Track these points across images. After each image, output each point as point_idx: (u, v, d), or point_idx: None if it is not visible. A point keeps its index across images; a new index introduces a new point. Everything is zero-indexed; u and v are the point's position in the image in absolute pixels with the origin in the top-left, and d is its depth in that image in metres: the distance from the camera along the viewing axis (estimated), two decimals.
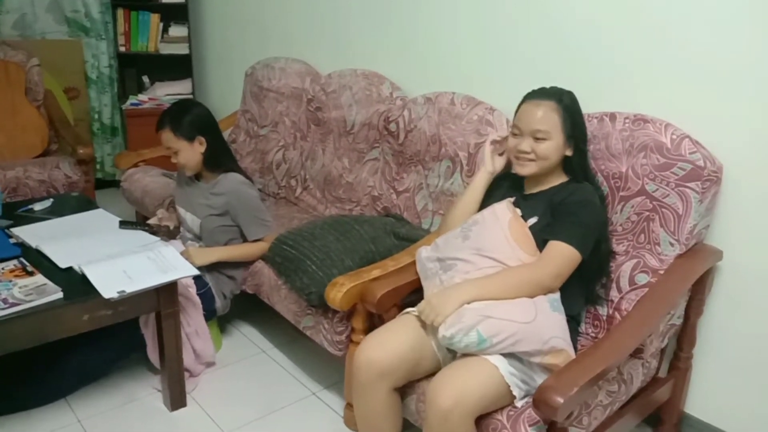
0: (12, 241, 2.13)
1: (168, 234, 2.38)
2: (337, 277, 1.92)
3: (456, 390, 1.44)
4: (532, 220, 1.72)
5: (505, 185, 1.89)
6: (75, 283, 1.87)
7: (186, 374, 2.18)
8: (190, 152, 2.31)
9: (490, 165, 1.90)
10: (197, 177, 2.43)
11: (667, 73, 1.86)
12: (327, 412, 2.15)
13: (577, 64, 2.07)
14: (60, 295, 1.80)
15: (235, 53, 3.80)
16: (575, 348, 1.66)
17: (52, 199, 2.57)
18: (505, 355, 1.52)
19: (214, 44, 4.03)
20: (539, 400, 1.35)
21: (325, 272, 2.04)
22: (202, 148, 2.32)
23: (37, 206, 2.49)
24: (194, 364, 2.25)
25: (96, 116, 4.07)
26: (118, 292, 1.81)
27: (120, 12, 3.82)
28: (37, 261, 1.99)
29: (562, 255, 1.61)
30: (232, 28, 3.80)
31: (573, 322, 1.70)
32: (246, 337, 2.59)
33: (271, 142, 3.12)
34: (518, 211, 1.75)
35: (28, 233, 2.19)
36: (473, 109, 2.28)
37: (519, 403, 1.52)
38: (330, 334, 2.05)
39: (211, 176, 2.39)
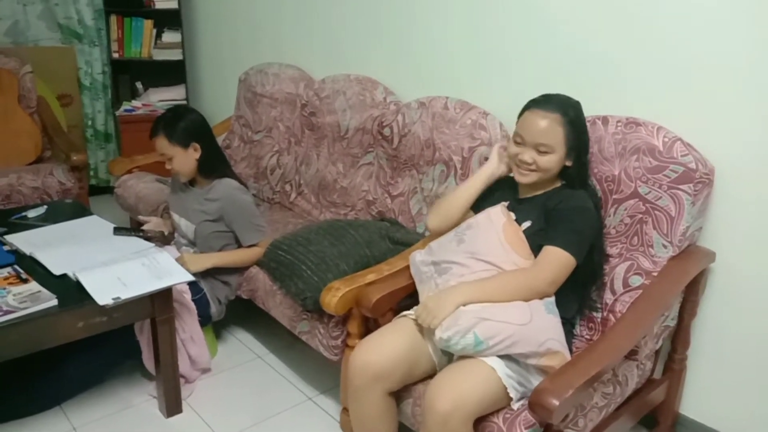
0: (6, 248, 2.12)
1: (162, 240, 2.38)
2: (333, 282, 1.92)
3: (455, 394, 1.45)
4: (526, 224, 1.73)
5: (499, 189, 1.89)
6: (69, 290, 1.87)
7: (181, 380, 2.17)
8: (185, 158, 2.31)
9: (496, 167, 1.87)
10: (191, 183, 2.43)
11: (658, 76, 1.88)
12: (323, 417, 2.15)
13: (569, 68, 2.09)
14: (54, 302, 1.80)
15: (228, 59, 3.80)
16: (570, 350, 1.66)
17: (45, 206, 2.57)
18: (501, 357, 1.53)
19: (208, 50, 4.03)
20: (535, 402, 1.35)
21: (320, 277, 2.04)
22: (197, 155, 2.32)
23: (31, 213, 2.48)
24: (190, 370, 2.25)
25: (89, 123, 4.06)
26: (112, 299, 1.81)
27: (113, 18, 3.82)
28: (31, 268, 1.99)
29: (559, 261, 1.62)
30: (225, 33, 3.81)
31: (567, 324, 1.71)
32: (241, 342, 2.58)
33: (265, 147, 3.12)
34: (512, 215, 1.75)
35: (21, 240, 2.18)
36: (467, 113, 2.29)
37: (515, 405, 1.52)
38: (326, 338, 2.05)
39: (205, 182, 2.39)
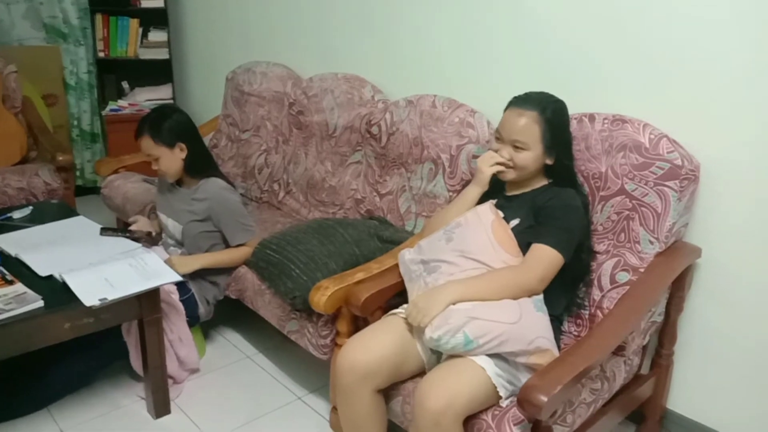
0: None
1: (149, 240, 2.37)
2: (321, 281, 1.92)
3: (446, 393, 1.45)
4: (514, 222, 1.74)
5: (488, 187, 1.90)
6: (56, 292, 1.85)
7: (170, 381, 2.16)
8: (171, 159, 2.29)
9: (486, 185, 1.83)
10: (178, 183, 2.41)
11: (645, 73, 1.89)
12: (313, 417, 2.15)
13: (555, 66, 2.10)
14: (41, 303, 1.78)
15: (215, 57, 3.79)
16: (558, 347, 1.67)
17: (31, 207, 2.54)
18: (490, 355, 1.53)
19: (195, 49, 4.01)
20: (523, 399, 1.36)
21: (309, 276, 2.04)
22: (183, 155, 2.30)
23: (17, 214, 2.46)
24: (178, 371, 2.24)
25: (75, 123, 4.03)
26: (99, 300, 1.80)
27: (98, 17, 3.79)
28: (17, 269, 1.96)
29: (547, 258, 1.63)
30: (212, 32, 3.79)
31: (556, 321, 1.72)
32: (230, 342, 2.57)
33: (253, 146, 3.11)
34: (500, 213, 1.76)
35: (7, 241, 2.16)
36: (454, 111, 2.30)
37: (504, 403, 1.53)
38: (315, 338, 2.05)
39: (192, 182, 2.38)
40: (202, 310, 2.35)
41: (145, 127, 2.28)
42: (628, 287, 1.74)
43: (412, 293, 1.73)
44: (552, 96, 1.77)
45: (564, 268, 1.67)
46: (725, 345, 1.87)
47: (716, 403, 1.93)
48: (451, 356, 1.57)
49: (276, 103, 3.04)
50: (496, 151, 1.77)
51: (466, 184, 1.99)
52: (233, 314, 2.65)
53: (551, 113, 1.72)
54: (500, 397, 1.52)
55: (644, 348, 1.92)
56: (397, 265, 1.88)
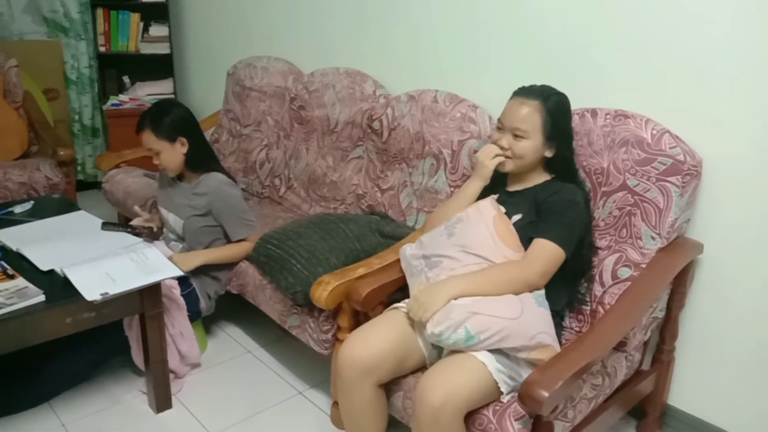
0: None
1: (151, 235, 2.36)
2: (323, 276, 1.92)
3: (446, 388, 1.45)
4: (516, 217, 1.73)
5: (490, 182, 1.89)
6: (57, 286, 1.85)
7: (171, 376, 2.17)
8: (172, 153, 2.29)
9: (488, 179, 1.83)
10: (179, 177, 2.41)
11: (647, 68, 1.88)
12: (314, 412, 2.15)
13: (557, 61, 2.09)
14: (42, 298, 1.78)
15: (216, 52, 3.78)
16: (559, 342, 1.67)
17: (32, 202, 2.54)
18: (491, 351, 1.53)
19: (196, 43, 4.00)
20: (524, 394, 1.36)
21: (310, 271, 2.04)
22: (184, 149, 2.30)
23: (18, 209, 2.46)
24: (179, 366, 2.24)
25: (76, 117, 4.03)
26: (101, 295, 1.80)
27: (99, 12, 3.77)
28: (18, 264, 1.97)
29: (549, 253, 1.63)
30: (213, 27, 3.78)
31: (557, 317, 1.72)
32: (231, 337, 2.58)
33: (254, 141, 3.11)
34: (502, 208, 1.76)
35: (8, 236, 2.16)
36: (456, 106, 2.29)
37: (505, 398, 1.53)
38: (316, 333, 2.05)
39: (193, 176, 2.37)
40: (204, 304, 2.36)
41: (146, 121, 2.27)
42: (629, 283, 1.74)
43: (414, 288, 1.73)
44: (555, 89, 1.78)
45: (565, 264, 1.67)
46: (726, 341, 1.87)
47: (717, 400, 1.93)
48: (453, 351, 1.57)
49: (277, 98, 3.04)
50: (496, 140, 1.77)
51: (467, 179, 1.98)
52: (234, 309, 2.66)
53: (553, 104, 1.72)
54: (501, 393, 1.52)
55: (645, 344, 1.92)
56: (398, 261, 1.88)
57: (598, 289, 1.80)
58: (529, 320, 1.54)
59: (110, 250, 2.06)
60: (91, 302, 1.79)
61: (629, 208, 1.79)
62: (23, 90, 3.44)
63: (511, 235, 1.68)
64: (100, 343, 2.17)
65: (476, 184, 1.84)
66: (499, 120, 1.79)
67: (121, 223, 2.49)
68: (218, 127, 3.36)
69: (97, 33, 3.81)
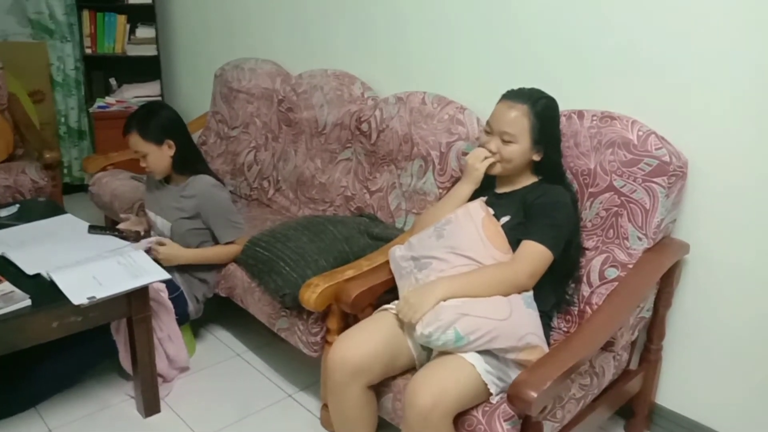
0: None
1: (138, 239, 2.35)
2: (312, 278, 1.92)
3: (435, 390, 1.45)
4: (505, 219, 1.74)
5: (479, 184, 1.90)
6: (43, 290, 1.84)
7: (159, 380, 2.15)
8: (159, 156, 2.28)
9: (479, 182, 1.82)
10: (167, 180, 2.40)
11: (633, 70, 1.90)
12: (304, 414, 2.14)
13: (544, 63, 2.10)
14: (28, 302, 1.77)
15: (203, 54, 3.76)
16: (548, 343, 1.68)
17: (18, 205, 2.52)
18: (480, 352, 1.53)
19: (183, 45, 3.98)
20: (513, 395, 1.36)
21: (299, 273, 2.04)
22: (171, 152, 2.29)
23: (3, 212, 2.44)
24: (168, 370, 2.23)
25: (62, 120, 3.99)
26: (87, 298, 1.79)
27: (85, 13, 3.74)
28: (4, 268, 1.95)
29: (537, 254, 1.64)
30: (200, 28, 3.77)
31: (545, 317, 1.73)
32: (220, 340, 2.57)
33: (242, 143, 3.10)
34: (491, 210, 1.76)
35: None
36: (444, 108, 2.30)
37: (494, 399, 1.53)
38: (305, 335, 2.05)
39: (180, 179, 2.36)
40: (192, 308, 2.35)
41: (133, 123, 2.26)
42: (616, 283, 1.75)
43: (403, 290, 1.73)
44: (544, 93, 1.78)
45: (553, 265, 1.68)
46: (713, 340, 1.89)
47: (704, 398, 1.94)
48: (442, 353, 1.58)
49: (265, 99, 3.03)
50: (484, 143, 1.78)
51: (455, 181, 1.99)
52: (223, 312, 2.64)
53: (541, 108, 1.73)
54: (490, 394, 1.53)
55: (633, 343, 1.93)
56: (387, 262, 1.88)
57: (585, 290, 1.81)
58: (518, 321, 1.55)
59: (97, 253, 2.05)
60: (78, 306, 1.77)
61: (616, 208, 1.80)
62: (8, 92, 3.41)
63: (499, 236, 1.69)
64: (88, 347, 2.15)
65: (467, 187, 1.84)
66: (487, 123, 1.80)
67: (108, 226, 2.47)
68: (206, 129, 3.35)
69: (83, 35, 3.78)
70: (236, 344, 2.54)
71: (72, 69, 3.93)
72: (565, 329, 1.84)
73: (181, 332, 2.26)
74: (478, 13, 2.27)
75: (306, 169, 2.77)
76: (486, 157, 1.78)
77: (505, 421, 1.48)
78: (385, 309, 1.75)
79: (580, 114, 1.89)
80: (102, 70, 4.01)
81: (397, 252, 1.81)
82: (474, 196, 1.83)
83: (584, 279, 1.82)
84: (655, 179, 1.73)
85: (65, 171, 4.07)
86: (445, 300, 1.55)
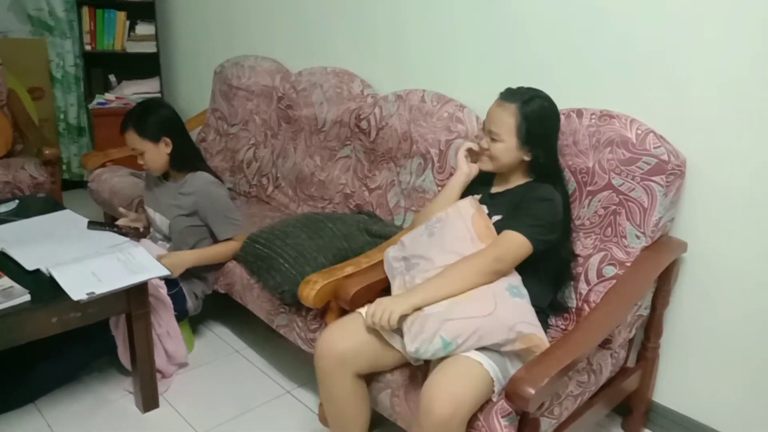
0: None
1: (137, 235, 2.36)
2: (310, 275, 1.92)
3: (454, 398, 1.43)
4: (497, 218, 1.74)
5: (476, 183, 1.90)
6: (43, 286, 1.84)
7: (158, 375, 2.16)
8: (156, 153, 2.28)
9: (466, 167, 1.87)
10: (165, 177, 2.40)
11: (632, 69, 1.90)
12: (302, 410, 2.15)
13: (543, 62, 2.11)
14: (27, 297, 1.77)
15: (203, 51, 3.76)
16: None
17: (17, 201, 2.52)
18: (480, 349, 1.53)
19: (182, 42, 3.98)
20: (511, 391, 1.37)
21: (298, 270, 2.04)
22: (168, 149, 2.29)
23: (2, 208, 2.44)
24: (166, 365, 2.23)
25: (62, 116, 4.00)
26: (87, 294, 1.79)
27: (85, 10, 3.74)
28: (3, 263, 1.95)
29: (508, 240, 1.64)
30: (200, 25, 3.77)
31: (542, 314, 1.73)
32: (219, 337, 2.57)
33: (241, 140, 3.10)
34: (485, 208, 1.77)
35: None
36: (443, 106, 2.30)
37: (494, 397, 1.53)
38: (304, 331, 2.05)
39: (179, 176, 2.36)
40: (191, 304, 2.35)
41: (130, 121, 2.26)
42: (614, 281, 1.75)
43: (394, 290, 1.74)
44: (540, 93, 1.76)
45: (547, 267, 1.68)
46: (710, 338, 1.90)
47: (701, 396, 1.95)
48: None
49: (264, 97, 3.03)
50: (479, 141, 1.81)
51: None
52: (222, 309, 2.65)
53: (531, 108, 1.71)
54: (493, 391, 1.53)
55: (630, 341, 1.94)
56: None
57: (583, 287, 1.82)
58: (505, 313, 1.54)
59: (96, 249, 2.05)
60: (77, 302, 1.78)
61: (614, 207, 1.81)
62: (8, 89, 3.41)
63: (490, 232, 1.69)
64: (87, 343, 2.16)
65: (457, 177, 1.88)
66: (484, 121, 1.82)
67: (107, 222, 2.47)
68: (205, 126, 3.35)
69: (82, 31, 3.77)
70: (235, 341, 2.55)
71: (71, 66, 3.93)
72: (563, 327, 1.85)
73: (179, 328, 2.27)
74: (478, 12, 2.27)
75: (305, 166, 2.77)
76: (467, 148, 1.84)
77: (502, 417, 1.48)
78: (359, 312, 1.73)
79: (579, 112, 1.89)
80: (101, 67, 4.01)
81: (391, 252, 1.82)
82: (474, 193, 1.84)
83: (582, 277, 1.82)
84: (653, 178, 1.74)
85: (64, 167, 4.07)
86: (420, 307, 1.55)
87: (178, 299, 2.27)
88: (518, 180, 1.81)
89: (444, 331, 1.50)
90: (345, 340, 1.64)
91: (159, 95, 3.93)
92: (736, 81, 1.71)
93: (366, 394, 1.71)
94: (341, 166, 2.65)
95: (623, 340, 1.84)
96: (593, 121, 1.86)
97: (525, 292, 1.64)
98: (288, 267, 2.06)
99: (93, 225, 2.27)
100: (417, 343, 1.51)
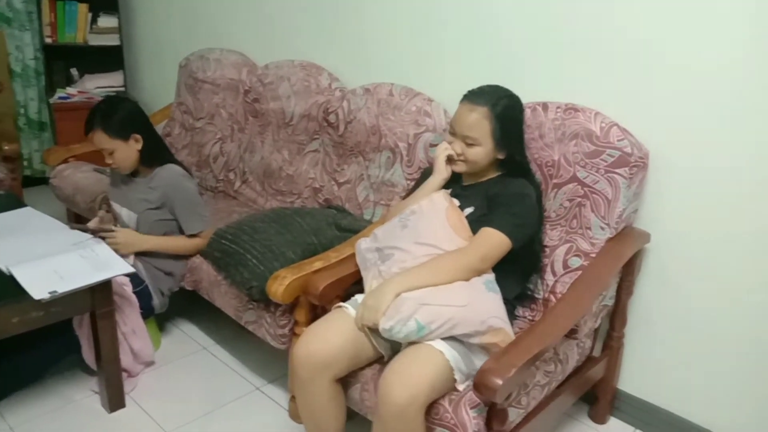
0: None
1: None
2: (279, 270, 1.91)
3: (409, 385, 1.45)
4: (469, 210, 1.76)
5: (447, 174, 1.90)
6: (3, 285, 1.80)
7: (124, 374, 2.13)
8: (127, 151, 2.24)
9: (446, 173, 1.83)
10: (133, 174, 2.36)
11: (595, 63, 1.93)
12: (272, 406, 2.14)
13: (509, 56, 2.12)
14: None
15: (168, 44, 3.70)
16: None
17: None
18: (446, 339, 1.55)
19: (147, 35, 3.91)
20: (479, 382, 1.38)
21: (266, 266, 2.02)
22: (139, 145, 2.25)
23: None
24: (132, 364, 2.20)
25: (22, 111, 3.89)
26: (49, 293, 1.75)
27: (45, 1, 3.64)
28: None
29: (491, 239, 1.65)
30: (164, 18, 3.70)
31: (509, 305, 1.75)
32: (186, 334, 2.54)
33: (207, 134, 3.06)
34: (456, 201, 1.78)
35: None
36: (411, 100, 2.30)
37: (461, 387, 1.55)
38: (272, 327, 2.04)
39: (148, 171, 2.33)
40: (157, 301, 2.32)
41: (96, 120, 2.20)
42: (580, 272, 1.78)
43: (367, 281, 1.74)
44: (506, 91, 1.77)
45: (516, 258, 1.70)
46: (673, 327, 1.94)
47: (665, 384, 1.99)
48: (411, 343, 1.58)
49: (231, 90, 3.00)
50: (449, 143, 1.79)
51: (423, 172, 1.99)
52: (189, 306, 2.62)
53: (502, 109, 1.72)
54: (455, 380, 1.54)
55: (596, 331, 1.97)
56: (355, 254, 1.88)
57: (549, 279, 1.84)
58: (479, 306, 1.56)
59: (59, 247, 2.01)
60: (39, 301, 1.74)
61: (579, 199, 1.83)
62: None
63: (463, 226, 1.70)
64: (50, 342, 2.11)
65: (435, 180, 1.84)
66: (450, 124, 1.80)
67: (85, 227, 2.39)
68: (170, 121, 3.30)
69: (42, 23, 3.68)
70: (203, 338, 2.52)
71: (31, 59, 3.83)
72: (530, 318, 1.87)
73: (146, 326, 2.24)
74: (445, 6, 2.27)
75: (273, 160, 2.75)
76: (447, 148, 1.79)
77: (471, 408, 1.50)
78: (340, 307, 1.74)
79: (545, 106, 1.91)
80: (63, 60, 3.91)
81: (363, 244, 1.81)
82: (444, 188, 1.84)
83: (548, 268, 1.85)
84: (617, 170, 1.76)
85: (25, 164, 3.97)
86: (401, 294, 1.56)
87: (143, 296, 2.24)
88: (489, 173, 1.82)
89: (420, 315, 1.51)
90: (324, 345, 1.62)
91: (123, 89, 3.87)
92: (698, 75, 1.74)
93: (343, 399, 1.71)
94: (310, 160, 2.63)
95: (589, 329, 1.87)
96: (558, 114, 1.88)
97: (497, 287, 1.66)
98: (256, 263, 2.05)
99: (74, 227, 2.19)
100: (392, 321, 1.51)
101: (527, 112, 1.91)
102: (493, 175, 1.82)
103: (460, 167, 1.79)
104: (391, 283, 1.59)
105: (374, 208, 2.36)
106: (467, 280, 1.61)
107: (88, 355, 2.10)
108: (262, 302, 2.05)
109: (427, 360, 1.51)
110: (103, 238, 2.17)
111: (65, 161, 3.12)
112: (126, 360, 2.14)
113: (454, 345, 1.55)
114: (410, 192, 1.96)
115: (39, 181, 4.01)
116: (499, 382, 1.35)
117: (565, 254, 1.83)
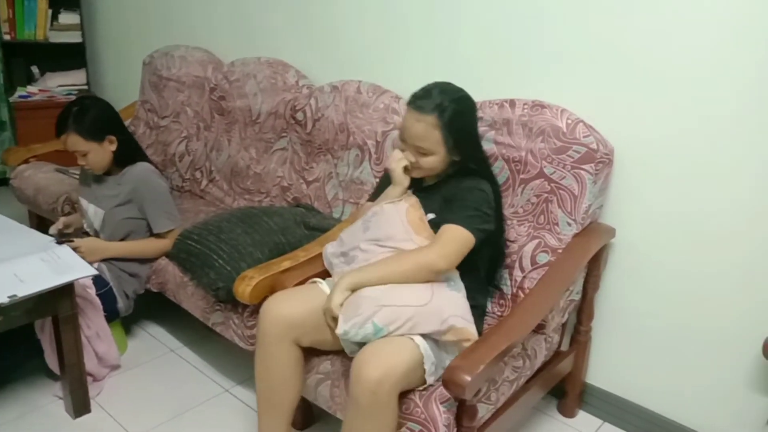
0: None
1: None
2: (246, 271, 1.89)
3: (383, 362, 1.44)
4: (431, 216, 1.73)
5: (407, 182, 1.88)
6: None
7: (89, 379, 2.08)
8: (101, 152, 2.20)
9: (405, 182, 1.77)
10: (106, 173, 2.31)
11: (561, 59, 1.94)
12: (241, 408, 2.11)
13: (477, 52, 2.12)
14: None
15: (131, 41, 3.63)
16: (482, 328, 1.71)
17: None
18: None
19: (109, 32, 3.83)
20: (448, 379, 1.38)
21: (233, 266, 2.00)
22: (113, 147, 2.21)
23: None
24: (98, 368, 2.15)
25: None
26: (8, 297, 1.71)
27: None
28: None
29: (453, 235, 1.62)
30: (128, 14, 3.63)
31: (479, 308, 1.75)
32: (153, 337, 2.50)
33: (173, 133, 3.01)
34: (416, 200, 1.77)
35: None
36: (379, 97, 2.30)
37: (430, 379, 1.54)
38: (240, 329, 2.02)
39: (120, 170, 2.29)
40: (122, 304, 2.27)
41: (69, 123, 2.15)
42: (547, 268, 1.79)
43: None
44: (453, 93, 1.69)
45: (481, 254, 1.70)
46: (639, 320, 1.96)
47: (632, 376, 2.02)
48: None
49: (196, 88, 2.95)
50: (402, 150, 1.74)
51: (382, 178, 1.98)
52: (155, 308, 2.57)
53: (450, 116, 1.64)
54: (424, 371, 1.54)
55: (563, 325, 1.99)
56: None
57: (518, 275, 1.85)
58: (439, 304, 1.55)
59: (19, 250, 1.95)
60: None
61: (546, 195, 1.84)
62: None
63: (422, 224, 1.69)
64: (11, 348, 2.06)
65: (396, 191, 1.78)
66: (399, 131, 1.75)
67: (65, 234, 2.33)
68: (135, 119, 3.24)
69: (0, 20, 3.58)
70: (170, 340, 2.48)
71: None
72: (499, 314, 1.88)
73: (110, 329, 2.19)
74: (413, 3, 2.27)
75: (240, 159, 2.72)
76: (400, 159, 1.74)
77: (441, 403, 1.50)
78: (315, 282, 1.75)
79: (512, 102, 1.92)
80: (23, 58, 3.82)
81: (329, 249, 1.81)
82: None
83: (516, 264, 1.86)
84: (583, 166, 1.78)
85: None
86: (353, 289, 1.56)
87: (107, 299, 2.19)
88: (448, 171, 1.80)
89: (377, 317, 1.50)
90: (293, 307, 1.64)
91: (86, 87, 3.78)
92: (663, 72, 1.76)
93: (302, 370, 1.71)
94: (278, 158, 2.61)
95: (556, 324, 1.89)
96: (525, 111, 1.89)
97: (462, 285, 1.66)
98: (222, 263, 2.02)
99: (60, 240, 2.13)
100: (347, 325, 1.51)
101: (494, 109, 1.92)
102: (451, 172, 1.77)
103: (417, 173, 1.75)
104: (343, 280, 1.59)
105: (343, 206, 2.35)
106: (430, 278, 1.60)
107: (51, 359, 2.05)
108: (230, 303, 2.03)
109: (402, 345, 1.51)
110: (66, 241, 2.12)
111: (26, 161, 3.05)
112: (91, 364, 2.10)
113: (425, 338, 1.54)
114: (375, 194, 1.94)
115: None
116: (468, 378, 1.35)
117: (533, 250, 1.84)
